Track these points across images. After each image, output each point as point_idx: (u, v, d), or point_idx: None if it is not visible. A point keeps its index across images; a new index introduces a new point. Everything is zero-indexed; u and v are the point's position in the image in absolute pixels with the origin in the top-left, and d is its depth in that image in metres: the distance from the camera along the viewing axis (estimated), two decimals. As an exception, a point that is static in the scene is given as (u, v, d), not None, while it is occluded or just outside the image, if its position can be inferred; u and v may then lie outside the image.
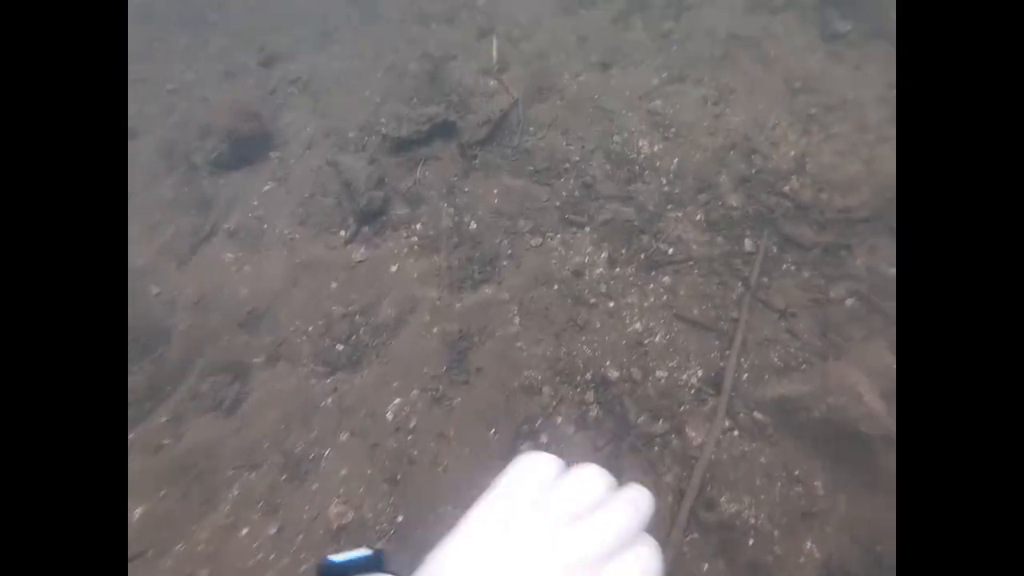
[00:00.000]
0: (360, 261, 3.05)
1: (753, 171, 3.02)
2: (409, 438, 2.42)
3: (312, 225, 3.27)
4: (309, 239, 3.21)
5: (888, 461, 2.12)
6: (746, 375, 2.43)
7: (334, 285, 3.00)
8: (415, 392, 2.55)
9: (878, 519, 2.10)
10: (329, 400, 2.57)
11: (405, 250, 3.07)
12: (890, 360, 2.42)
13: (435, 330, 2.72)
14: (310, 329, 2.86)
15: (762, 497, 2.18)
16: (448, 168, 3.35)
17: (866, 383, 2.19)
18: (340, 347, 2.79)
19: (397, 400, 2.53)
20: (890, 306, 2.53)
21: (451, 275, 2.90)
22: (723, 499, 2.18)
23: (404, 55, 4.12)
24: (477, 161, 3.35)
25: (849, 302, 2.58)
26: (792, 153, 3.09)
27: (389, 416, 2.48)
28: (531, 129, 3.41)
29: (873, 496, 2.14)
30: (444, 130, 3.50)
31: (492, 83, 3.76)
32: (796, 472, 2.22)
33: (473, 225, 3.07)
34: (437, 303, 2.80)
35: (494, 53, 3.97)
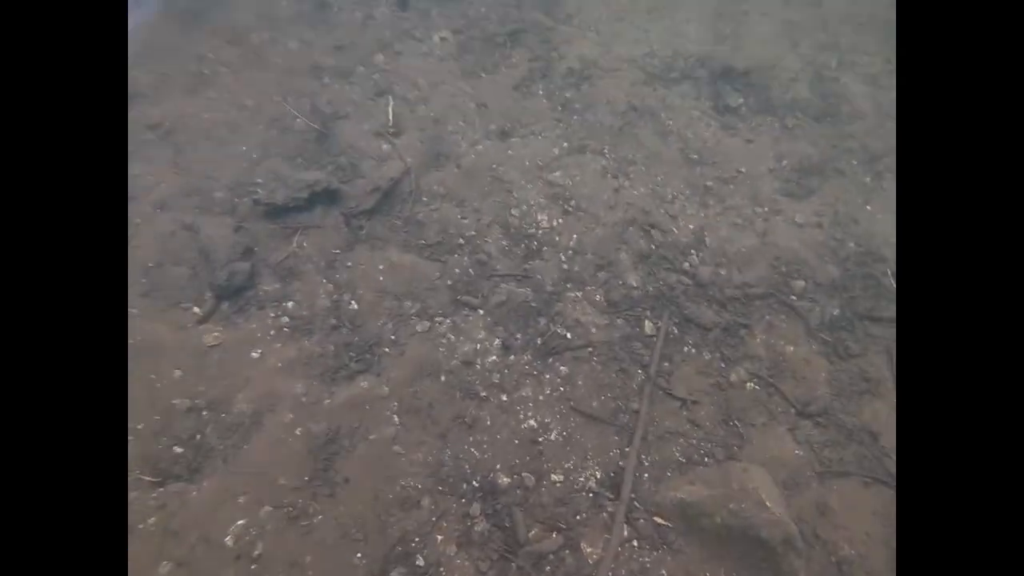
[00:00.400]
0: (214, 345, 2.77)
1: (653, 247, 3.11)
2: (252, 568, 2.12)
3: (157, 299, 2.96)
4: (151, 316, 2.89)
5: (790, 563, 2.10)
6: (647, 474, 2.37)
7: (178, 373, 2.68)
8: (266, 509, 2.27)
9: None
10: (151, 520, 2.22)
11: (271, 333, 2.83)
12: (791, 445, 2.47)
13: (298, 431, 2.48)
14: (140, 427, 2.51)
15: (666, 618, 2.08)
16: (330, 239, 3.20)
17: (767, 484, 2.19)
18: (179, 449, 2.47)
19: (242, 520, 2.23)
20: (788, 387, 2.62)
21: (323, 364, 2.70)
22: (624, 624, 2.06)
23: (291, 109, 4.01)
24: (363, 232, 3.23)
25: (749, 385, 2.65)
26: (691, 227, 3.23)
27: (229, 541, 2.18)
28: (424, 199, 3.36)
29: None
30: (327, 196, 3.37)
31: (385, 147, 3.72)
32: (700, 584, 2.15)
33: (354, 305, 2.91)
34: (303, 399, 2.57)
35: (390, 115, 3.96)
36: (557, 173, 3.46)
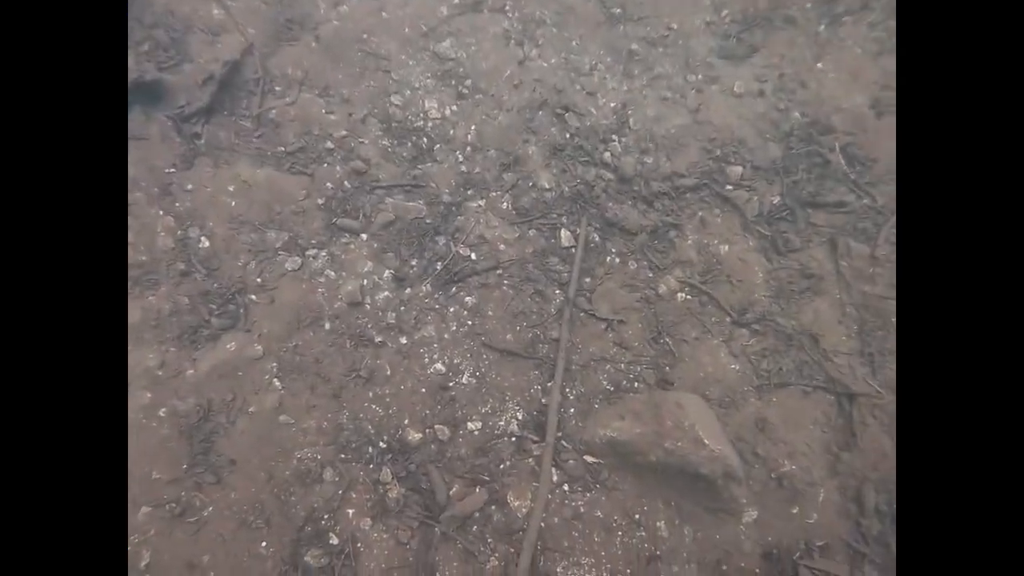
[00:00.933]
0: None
1: (568, 135, 2.90)
2: (137, 583, 2.07)
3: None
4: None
5: (731, 491, 2.26)
6: (572, 409, 2.42)
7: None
8: (144, 511, 2.16)
9: (725, 538, 2.28)
10: None
11: (103, 290, 2.51)
12: (726, 359, 2.56)
13: (162, 413, 2.30)
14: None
15: (602, 554, 2.24)
16: (158, 154, 2.76)
17: (704, 417, 2.28)
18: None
19: (111, 530, 2.12)
20: (723, 294, 2.65)
21: (177, 324, 2.45)
22: (559, 569, 2.20)
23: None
24: (201, 142, 2.79)
25: (680, 296, 2.66)
26: (612, 105, 3.01)
27: (101, 558, 2.08)
28: (276, 89, 2.91)
29: (718, 518, 2.31)
30: (145, 92, 2.84)
31: (216, 12, 3.11)
32: (637, 516, 2.30)
33: (204, 242, 2.59)
34: (160, 372, 2.35)
35: (213, -38, 3.27)
36: (447, 42, 3.05)
